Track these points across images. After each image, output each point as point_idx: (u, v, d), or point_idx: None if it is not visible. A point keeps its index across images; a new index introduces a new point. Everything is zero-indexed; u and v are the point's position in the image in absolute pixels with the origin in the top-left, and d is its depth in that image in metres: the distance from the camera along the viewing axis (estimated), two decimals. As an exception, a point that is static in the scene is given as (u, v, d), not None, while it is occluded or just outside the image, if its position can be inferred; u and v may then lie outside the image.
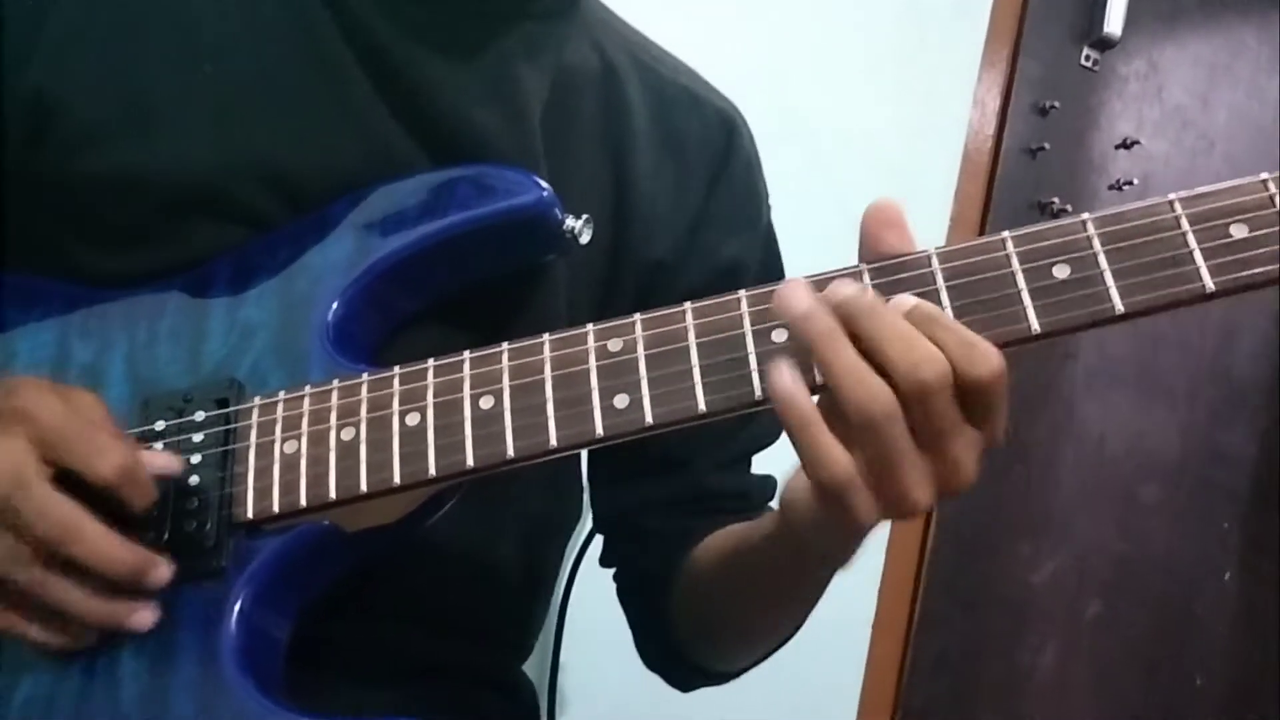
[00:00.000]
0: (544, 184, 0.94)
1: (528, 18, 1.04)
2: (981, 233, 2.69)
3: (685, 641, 1.09)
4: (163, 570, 0.84)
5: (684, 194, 1.11)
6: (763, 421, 1.14)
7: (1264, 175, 0.75)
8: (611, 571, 1.21)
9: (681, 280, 1.09)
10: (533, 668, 1.17)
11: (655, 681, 1.17)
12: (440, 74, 1.00)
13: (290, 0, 1.01)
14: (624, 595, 1.19)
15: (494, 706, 1.08)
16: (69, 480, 0.82)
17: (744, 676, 1.12)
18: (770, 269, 1.17)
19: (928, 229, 2.62)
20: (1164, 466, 2.97)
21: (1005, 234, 0.78)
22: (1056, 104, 2.78)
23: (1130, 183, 2.90)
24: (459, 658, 1.04)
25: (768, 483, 1.15)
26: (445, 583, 1.02)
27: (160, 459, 0.87)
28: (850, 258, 0.81)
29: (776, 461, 1.14)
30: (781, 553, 0.89)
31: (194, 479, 0.88)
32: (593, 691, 1.17)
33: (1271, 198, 0.74)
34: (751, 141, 1.19)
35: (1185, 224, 0.75)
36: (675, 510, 1.12)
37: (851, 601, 2.49)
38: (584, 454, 1.15)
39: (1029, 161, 2.78)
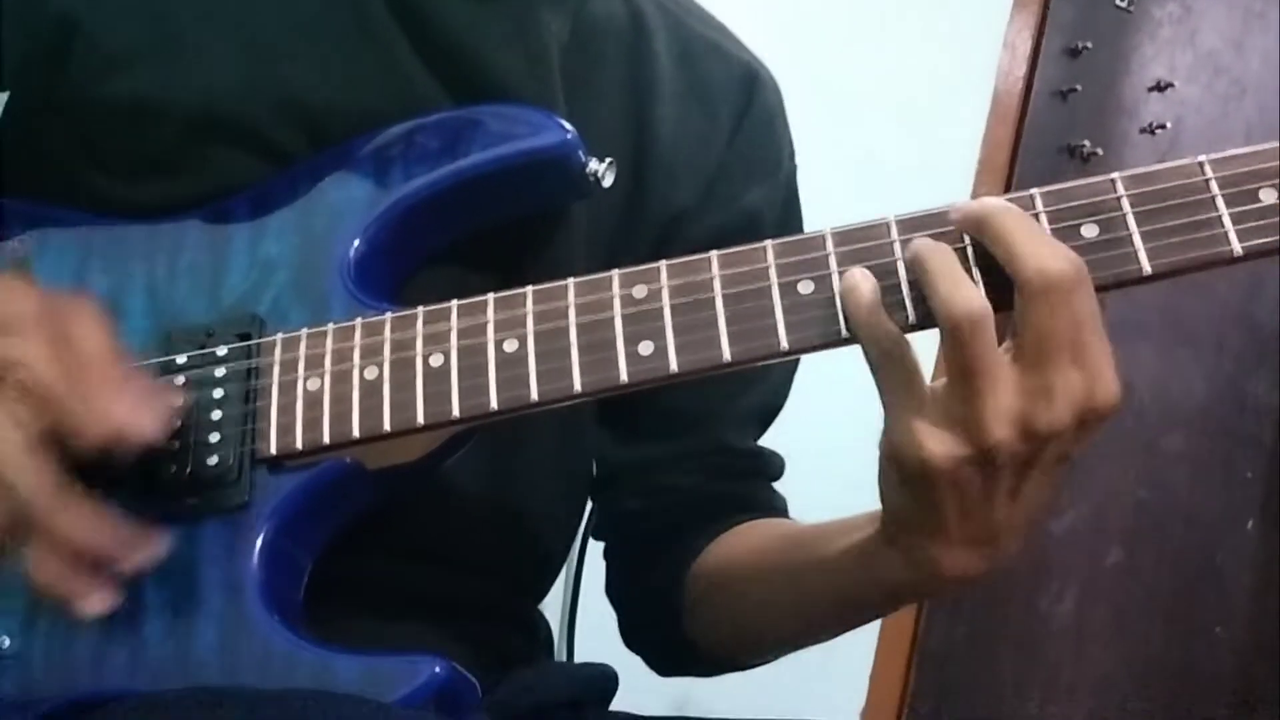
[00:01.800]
0: (568, 125, 0.93)
1: None
2: (1010, 176, 2.69)
3: (696, 633, 1.08)
4: (139, 556, 0.81)
5: (706, 143, 1.11)
6: (771, 381, 1.15)
7: None
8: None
9: (699, 228, 1.09)
10: (553, 610, 1.17)
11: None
12: (462, 14, 0.99)
13: None
14: (619, 566, 1.17)
15: (511, 642, 1.08)
16: None
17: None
18: (789, 220, 1.17)
19: (955, 173, 2.61)
20: (1187, 415, 2.97)
21: (1034, 191, 0.78)
22: (1089, 45, 2.76)
23: (1163, 126, 2.88)
24: (476, 594, 1.05)
25: (777, 456, 1.16)
26: (462, 521, 1.02)
27: (142, 425, 0.81)
28: (877, 202, 0.81)
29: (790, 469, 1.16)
30: (852, 573, 0.89)
31: (216, 414, 0.88)
32: (609, 636, 1.17)
33: None
34: (777, 94, 1.18)
35: (1215, 187, 0.75)
36: (693, 467, 1.11)
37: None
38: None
39: (1059, 104, 2.76)
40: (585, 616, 1.28)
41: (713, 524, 1.08)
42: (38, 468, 0.77)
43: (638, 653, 1.17)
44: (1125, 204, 0.76)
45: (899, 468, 0.77)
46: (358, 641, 0.85)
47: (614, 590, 1.17)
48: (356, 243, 0.92)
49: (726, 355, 0.79)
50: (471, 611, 1.04)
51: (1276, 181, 0.74)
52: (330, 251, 0.92)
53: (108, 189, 0.97)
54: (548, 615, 1.17)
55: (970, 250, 0.77)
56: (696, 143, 1.10)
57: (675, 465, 1.12)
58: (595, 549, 1.23)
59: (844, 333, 0.78)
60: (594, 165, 0.94)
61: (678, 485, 1.11)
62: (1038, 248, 0.73)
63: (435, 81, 0.99)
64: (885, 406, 0.77)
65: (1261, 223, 0.74)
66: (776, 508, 1.13)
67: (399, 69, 0.99)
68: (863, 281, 0.77)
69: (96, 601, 0.80)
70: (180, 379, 0.89)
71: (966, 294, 0.73)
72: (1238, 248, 0.74)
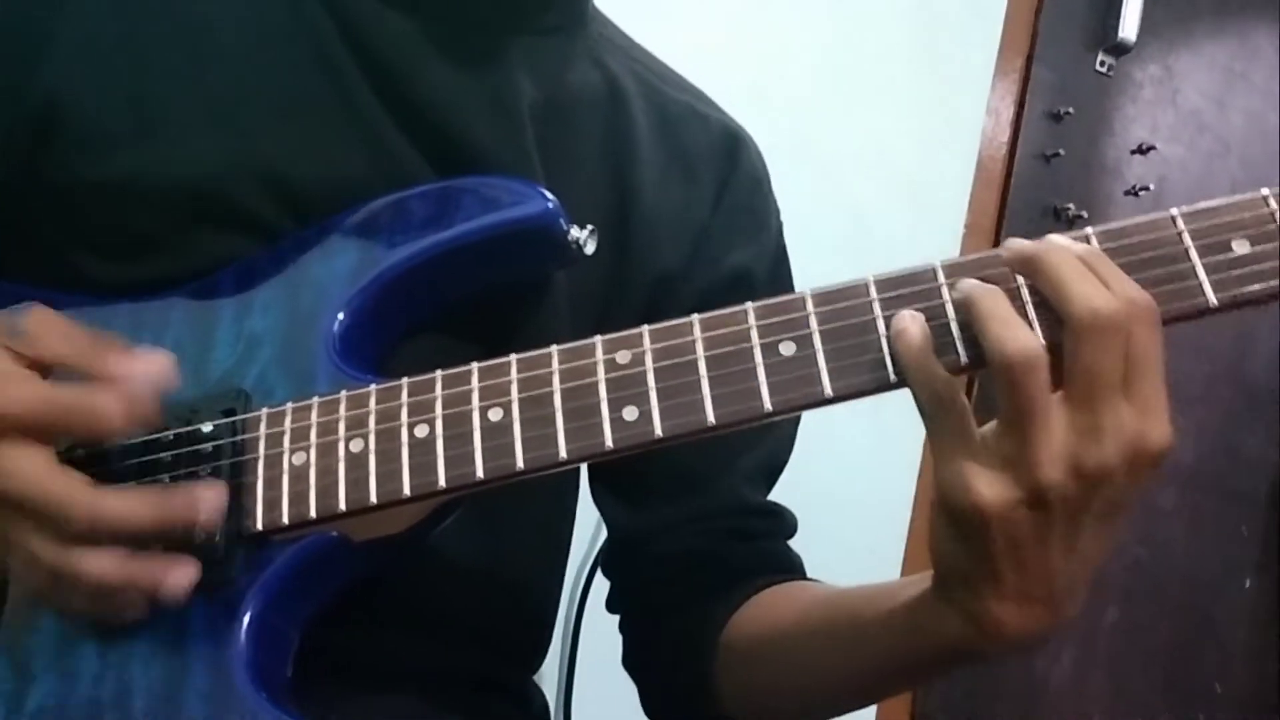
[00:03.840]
0: (549, 195, 0.94)
1: (530, 32, 1.05)
2: (996, 239, 2.70)
3: (728, 702, 1.03)
4: (210, 497, 0.82)
5: (690, 207, 1.11)
6: (778, 435, 1.14)
7: (1264, 191, 0.76)
8: (616, 619, 1.16)
9: (688, 292, 1.09)
10: (549, 683, 1.16)
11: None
12: (439, 84, 1.00)
13: (297, 8, 1.01)
14: (639, 636, 1.14)
15: (505, 714, 1.07)
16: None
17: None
18: (780, 281, 1.17)
19: (942, 237, 2.62)
20: (1181, 473, 2.96)
21: (1003, 248, 0.78)
22: (1071, 110, 2.78)
23: (1146, 188, 2.90)
24: (467, 666, 1.04)
25: (791, 513, 1.14)
26: (451, 590, 1.01)
27: (152, 363, 0.84)
28: (863, 265, 0.81)
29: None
30: (904, 635, 0.86)
31: None
32: (606, 703, 1.16)
33: (1273, 214, 0.75)
34: (758, 157, 1.19)
35: (1187, 239, 0.76)
36: (709, 528, 1.09)
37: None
38: (583, 469, 1.14)
39: (1044, 167, 2.78)
40: (581, 689, 1.27)
41: (738, 588, 1.05)
42: (67, 484, 0.79)
43: None
44: None
45: (951, 514, 0.76)
46: (349, 716, 0.84)
47: (634, 662, 1.14)
48: (340, 315, 0.92)
49: (710, 419, 0.79)
50: (463, 683, 1.03)
51: (1249, 233, 0.75)
52: (314, 325, 0.92)
53: (97, 269, 0.98)
54: (544, 688, 1.16)
55: (1022, 290, 0.77)
56: (680, 208, 1.10)
57: (690, 528, 1.10)
58: (590, 621, 1.22)
59: (828, 393, 0.78)
60: (575, 233, 0.94)
61: (695, 549, 1.09)
62: (1087, 285, 0.73)
63: (415, 153, 1.00)
64: (935, 452, 0.76)
65: (1235, 273, 0.75)
66: (798, 568, 1.10)
67: (380, 141, 1.00)
68: (912, 324, 0.76)
69: (184, 573, 0.81)
70: (167, 457, 0.89)
71: (1020, 334, 0.73)
72: (1212, 299, 0.74)
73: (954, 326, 0.77)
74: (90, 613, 0.84)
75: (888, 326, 0.78)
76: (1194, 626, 3.03)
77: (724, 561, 1.08)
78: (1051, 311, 0.75)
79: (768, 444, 1.14)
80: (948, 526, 0.77)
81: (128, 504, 0.80)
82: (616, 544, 1.15)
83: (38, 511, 0.78)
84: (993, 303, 0.74)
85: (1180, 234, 0.76)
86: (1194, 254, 0.75)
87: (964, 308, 0.76)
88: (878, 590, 0.92)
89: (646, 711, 1.14)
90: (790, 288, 1.17)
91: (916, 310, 0.77)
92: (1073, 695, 2.90)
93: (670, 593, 1.09)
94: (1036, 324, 0.75)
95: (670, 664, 1.08)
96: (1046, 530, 0.74)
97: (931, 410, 0.76)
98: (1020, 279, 0.77)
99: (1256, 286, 0.74)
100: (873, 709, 2.57)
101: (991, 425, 0.75)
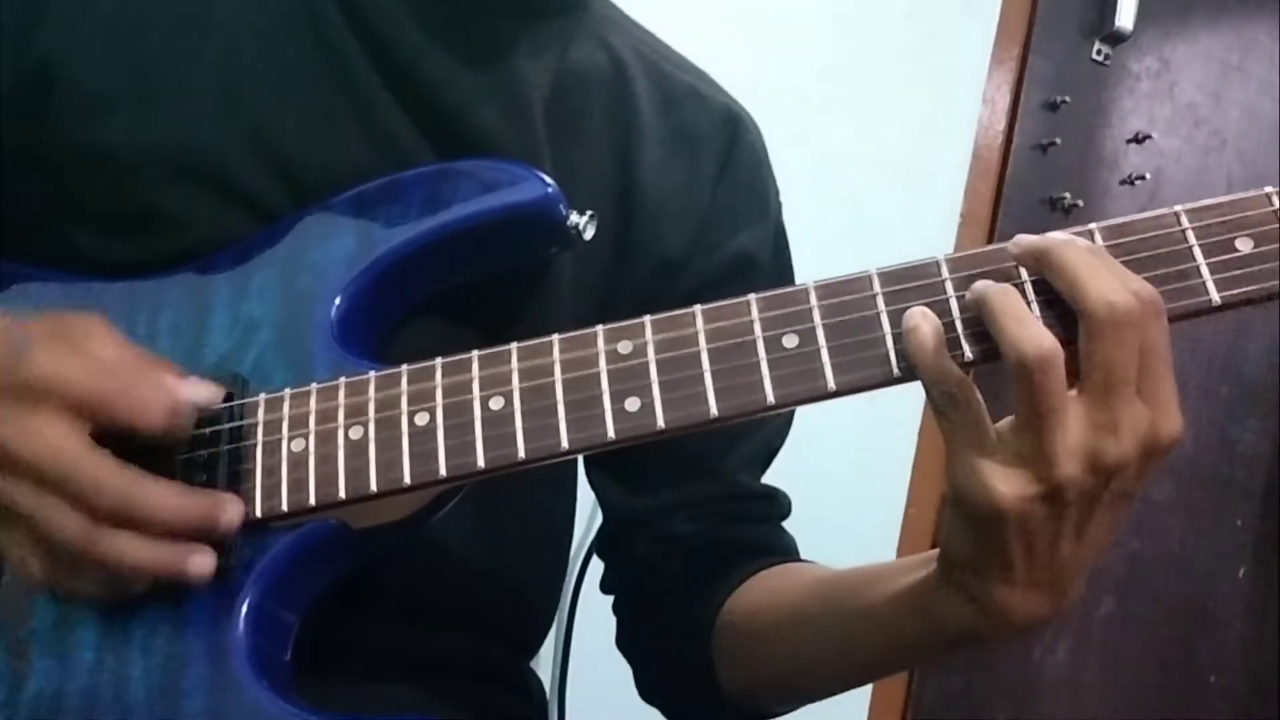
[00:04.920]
0: (548, 179, 0.93)
1: (532, 15, 1.04)
2: (992, 228, 2.70)
3: (727, 682, 1.04)
4: (233, 509, 0.83)
5: (692, 190, 1.11)
6: (775, 420, 1.14)
7: (1268, 189, 0.76)
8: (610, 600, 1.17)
9: (689, 276, 1.08)
10: (544, 670, 1.16)
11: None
12: (443, 69, 1.00)
13: None
14: (634, 619, 1.15)
15: (502, 702, 1.07)
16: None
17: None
18: (781, 263, 1.17)
19: (938, 227, 2.62)
20: (1177, 464, 2.97)
21: (1012, 241, 0.78)
22: (1067, 99, 2.78)
23: (1142, 177, 2.90)
24: (465, 653, 1.04)
25: (785, 495, 1.14)
26: (449, 577, 1.01)
27: (203, 391, 0.86)
28: (861, 255, 0.81)
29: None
30: (908, 617, 0.87)
31: (200, 476, 0.87)
32: (601, 691, 1.16)
33: (1276, 212, 0.75)
34: (758, 137, 1.18)
35: (1191, 237, 0.76)
36: (705, 512, 1.10)
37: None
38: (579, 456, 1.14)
39: (1040, 157, 2.78)
40: (576, 676, 1.27)
41: (735, 570, 1.06)
42: (101, 463, 0.79)
43: (657, 706, 1.14)
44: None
45: (967, 509, 0.76)
46: (347, 705, 0.84)
47: (628, 643, 1.15)
48: (338, 300, 0.92)
49: (713, 411, 0.79)
50: (461, 671, 1.03)
51: (1252, 231, 0.75)
52: (313, 309, 0.92)
53: (91, 244, 0.97)
54: (539, 670, 1.16)
55: (1029, 286, 0.77)
56: (681, 189, 1.10)
57: (686, 511, 1.10)
58: (585, 608, 1.22)
59: (831, 386, 0.78)
60: (575, 218, 0.94)
61: (691, 532, 1.10)
62: (1103, 280, 0.73)
63: (417, 135, 1.00)
64: (950, 448, 0.76)
65: (1239, 272, 0.75)
66: (793, 550, 1.11)
67: (381, 122, 0.99)
68: (923, 321, 0.76)
69: (205, 561, 0.82)
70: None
71: (1035, 332, 0.73)
72: (1216, 297, 0.74)
73: (958, 323, 0.77)
74: (97, 594, 0.83)
75: (891, 321, 0.78)
76: (1189, 618, 3.03)
77: (720, 545, 1.08)
78: (1057, 308, 0.75)
79: (765, 429, 1.14)
80: (962, 520, 0.77)
81: (161, 496, 0.80)
82: (612, 526, 1.15)
83: (67, 486, 0.78)
84: (1007, 301, 0.74)
85: (1184, 231, 0.76)
86: (1198, 252, 0.75)
87: (977, 306, 0.76)
88: (880, 571, 0.92)
89: (641, 693, 1.15)
90: (790, 269, 1.18)
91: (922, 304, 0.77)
92: (1069, 686, 2.91)
93: (667, 575, 1.10)
94: (1043, 321, 0.75)
95: (666, 645, 1.09)
96: (1060, 522, 0.75)
97: (946, 408, 0.76)
98: (1025, 274, 0.77)
99: (1260, 285, 0.74)
100: (867, 703, 2.58)
101: (1007, 421, 0.75)
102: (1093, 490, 0.74)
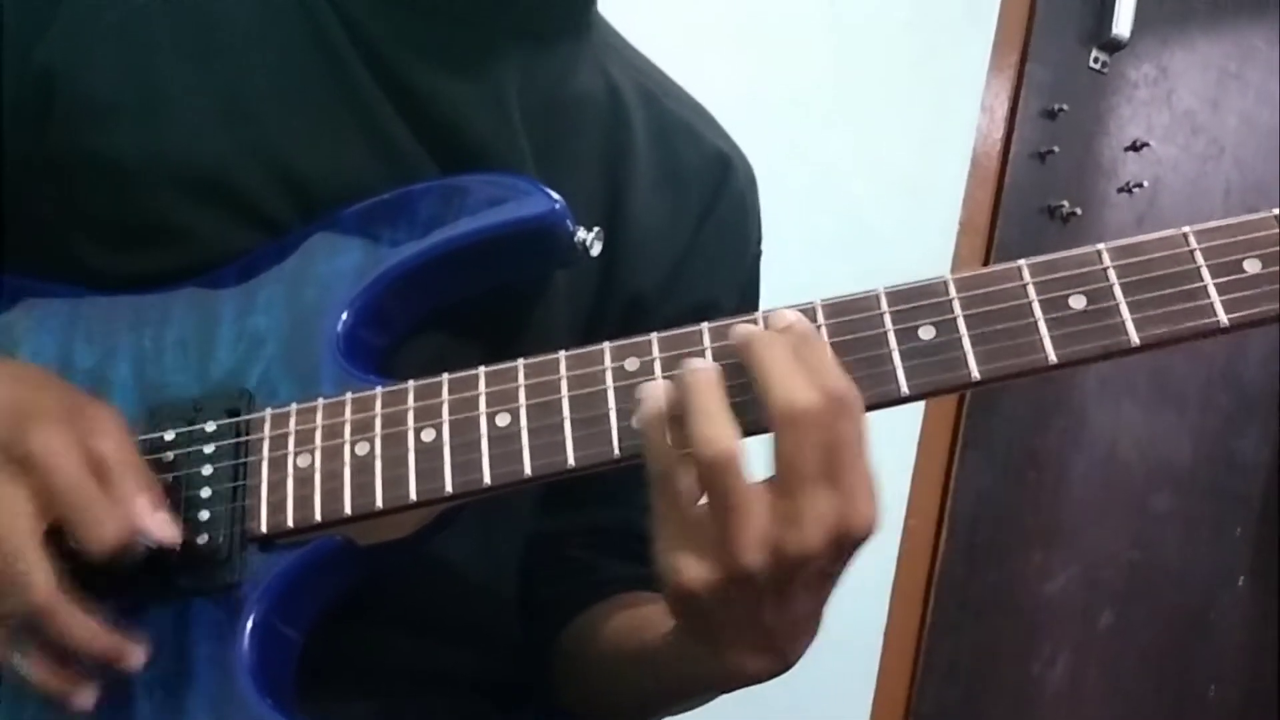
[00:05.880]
0: (555, 195, 0.93)
1: (531, 36, 1.04)
2: (991, 237, 2.70)
3: (563, 696, 1.08)
4: (134, 659, 0.82)
5: (674, 226, 1.11)
6: None
7: (1276, 210, 0.76)
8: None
9: (657, 318, 1.07)
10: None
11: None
12: (440, 86, 1.00)
13: (302, 5, 1.00)
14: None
15: (502, 717, 1.07)
16: None
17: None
18: (745, 308, 1.15)
19: (938, 236, 2.62)
20: (1176, 475, 2.97)
21: (1021, 262, 0.78)
22: (1065, 107, 2.78)
23: (1140, 185, 2.90)
24: (467, 668, 1.04)
25: None
26: (448, 593, 1.01)
27: (164, 530, 0.83)
28: (859, 265, 0.81)
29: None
30: (671, 662, 0.89)
31: (206, 491, 0.87)
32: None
33: None
34: (749, 181, 1.18)
35: (1200, 258, 0.75)
36: (595, 542, 1.11)
37: (863, 609, 2.49)
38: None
39: (1038, 166, 2.78)
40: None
41: (594, 598, 1.07)
42: (43, 562, 0.78)
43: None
44: (1112, 275, 0.76)
45: (665, 589, 0.78)
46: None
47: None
48: (345, 315, 0.92)
49: None
50: (463, 686, 1.03)
51: (1260, 253, 0.75)
52: (319, 324, 0.92)
53: (95, 257, 0.96)
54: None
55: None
56: (665, 225, 1.10)
57: (581, 539, 1.12)
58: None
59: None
60: (581, 234, 0.94)
61: (578, 558, 1.11)
62: (788, 379, 0.73)
63: (419, 146, 0.99)
64: (656, 528, 0.78)
65: (1248, 293, 0.74)
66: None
67: (383, 134, 0.99)
68: (651, 396, 0.77)
69: (86, 697, 0.81)
70: (169, 455, 0.88)
71: (717, 433, 0.73)
72: (1224, 319, 0.74)
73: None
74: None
75: (898, 339, 0.78)
76: (1188, 629, 3.04)
77: (594, 574, 1.09)
78: None
79: None
80: (667, 594, 0.79)
81: (78, 621, 0.80)
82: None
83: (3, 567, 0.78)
84: (698, 395, 0.75)
85: (1193, 252, 0.75)
86: (1206, 273, 0.75)
87: (680, 394, 0.76)
88: (660, 617, 0.93)
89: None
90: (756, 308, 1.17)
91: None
92: (1068, 698, 2.91)
93: (543, 593, 1.11)
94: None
95: (529, 649, 1.11)
96: (756, 602, 0.76)
97: (659, 486, 0.77)
98: (958, 309, 0.78)
99: (1268, 307, 0.74)
100: (867, 711, 2.57)
101: (703, 506, 0.76)
102: (783, 576, 0.75)
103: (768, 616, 0.78)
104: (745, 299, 1.16)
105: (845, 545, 0.75)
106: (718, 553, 0.74)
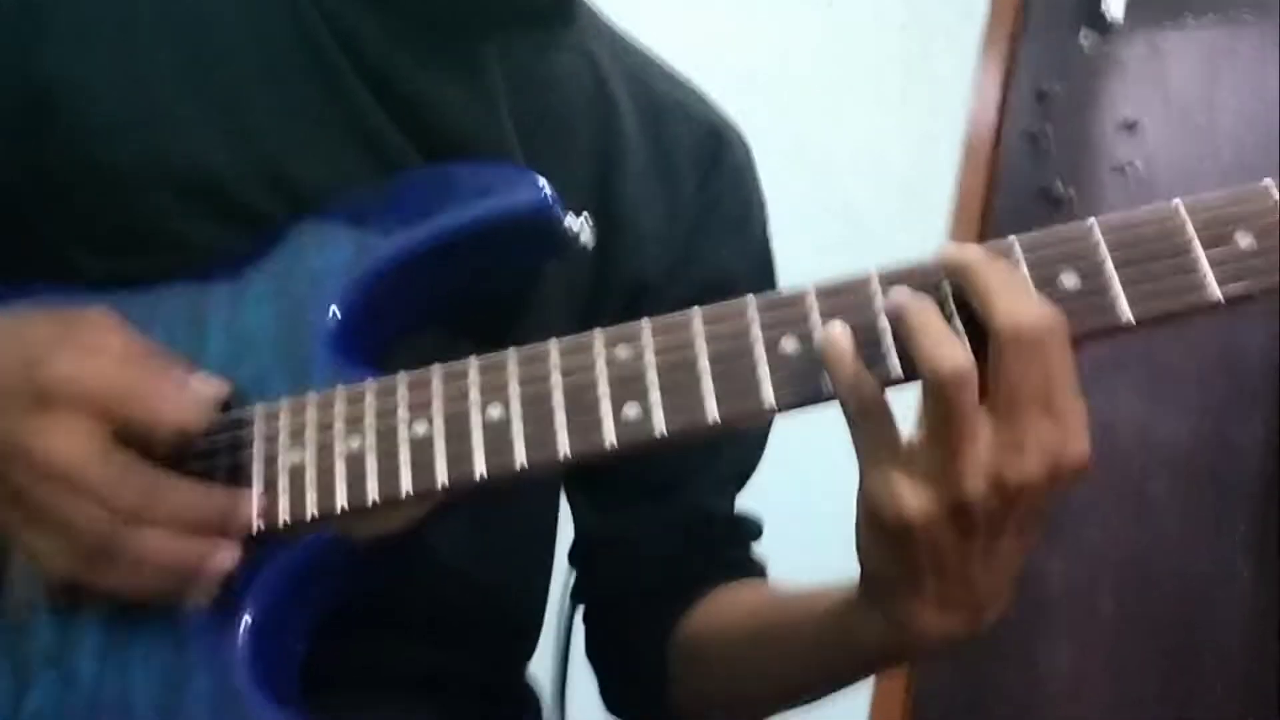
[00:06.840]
0: (544, 183, 0.92)
1: (515, 23, 1.04)
2: (984, 221, 2.70)
3: (681, 701, 1.06)
4: (246, 508, 0.83)
5: (672, 207, 1.10)
6: (746, 442, 1.14)
7: (1267, 181, 0.75)
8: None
9: (666, 298, 1.06)
10: (543, 681, 1.16)
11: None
12: (426, 82, 1.00)
13: (290, 9, 1.00)
14: (598, 631, 1.16)
15: (503, 715, 1.08)
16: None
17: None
18: (763, 279, 1.16)
19: (932, 220, 2.62)
20: (1173, 460, 2.96)
21: (1013, 238, 0.77)
22: (1057, 87, 2.77)
23: (1132, 164, 2.89)
24: (463, 667, 1.04)
25: (754, 519, 1.15)
26: (447, 592, 1.01)
27: (211, 386, 0.86)
28: (856, 252, 0.81)
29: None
30: (834, 637, 0.88)
31: None
32: (601, 706, 1.16)
33: (1277, 205, 0.74)
34: (744, 154, 1.18)
35: (1191, 231, 0.74)
36: (670, 534, 1.10)
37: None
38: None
39: (1030, 147, 2.78)
40: (576, 686, 1.26)
41: (693, 592, 1.07)
42: (123, 461, 0.80)
43: (616, 715, 1.15)
44: (1103, 250, 0.75)
45: (877, 524, 0.76)
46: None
47: (593, 653, 1.16)
48: (335, 308, 0.91)
49: (713, 416, 0.78)
50: (460, 686, 1.03)
51: (1253, 226, 0.74)
52: (309, 318, 0.91)
53: (90, 264, 0.96)
54: (540, 676, 1.16)
55: (951, 299, 0.76)
56: (661, 208, 1.09)
57: (653, 533, 1.10)
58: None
59: (829, 389, 0.77)
60: (571, 222, 0.93)
61: (656, 554, 1.10)
62: (1013, 299, 0.72)
63: (410, 146, 0.99)
64: (862, 462, 0.76)
65: (1240, 267, 0.73)
66: (755, 571, 1.12)
67: (374, 136, 0.99)
68: (841, 337, 0.76)
69: (227, 556, 0.82)
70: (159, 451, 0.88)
71: (949, 351, 0.72)
72: (1218, 294, 0.73)
73: (887, 338, 0.77)
74: (119, 590, 0.82)
75: (893, 325, 0.77)
76: (1190, 617, 3.03)
77: (681, 567, 1.09)
78: (977, 320, 0.74)
79: (737, 450, 1.14)
80: (873, 534, 0.77)
81: (182, 493, 0.81)
82: (583, 542, 1.16)
83: (89, 484, 0.78)
84: (922, 317, 0.74)
85: (1184, 225, 0.74)
86: (1198, 248, 0.74)
87: (893, 320, 0.76)
88: (812, 593, 0.93)
89: (605, 703, 1.16)
90: (774, 284, 1.16)
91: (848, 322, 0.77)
92: (1071, 691, 2.91)
93: (628, 596, 1.10)
94: (962, 331, 0.75)
95: (625, 659, 1.11)
96: (968, 540, 0.75)
97: (857, 421, 0.76)
98: (947, 286, 0.76)
99: (1261, 281, 0.73)
100: (866, 707, 2.58)
101: (919, 436, 0.75)
102: (1000, 508, 0.74)
103: (975, 560, 0.76)
104: (760, 268, 1.16)
105: (1060, 478, 0.74)
106: (938, 481, 0.73)
